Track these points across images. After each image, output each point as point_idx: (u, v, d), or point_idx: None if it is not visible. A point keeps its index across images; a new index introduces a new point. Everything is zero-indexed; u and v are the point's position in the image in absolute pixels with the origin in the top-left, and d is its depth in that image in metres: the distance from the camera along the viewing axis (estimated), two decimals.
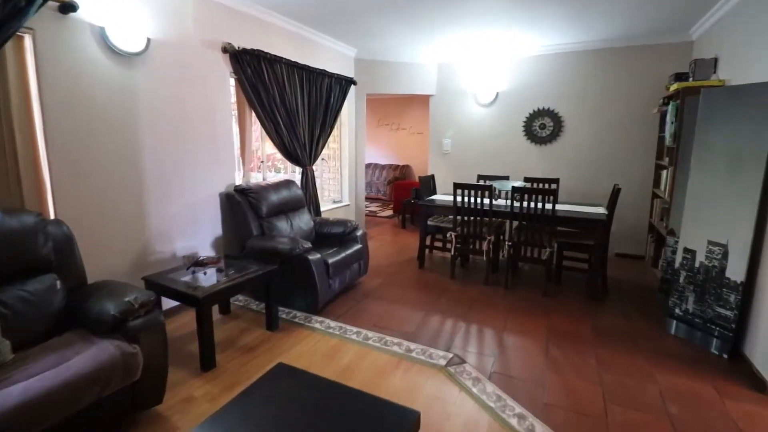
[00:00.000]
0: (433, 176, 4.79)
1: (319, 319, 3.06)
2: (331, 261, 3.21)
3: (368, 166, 9.90)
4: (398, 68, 5.40)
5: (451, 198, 4.24)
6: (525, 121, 5.06)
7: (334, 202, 5.45)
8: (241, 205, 3.33)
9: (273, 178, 4.29)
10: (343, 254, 3.40)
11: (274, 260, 3.09)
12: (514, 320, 3.09)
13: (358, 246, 3.66)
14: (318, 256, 3.10)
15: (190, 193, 3.22)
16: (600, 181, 4.79)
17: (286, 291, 3.18)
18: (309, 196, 4.39)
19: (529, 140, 5.07)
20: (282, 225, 3.51)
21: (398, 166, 9.63)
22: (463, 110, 5.40)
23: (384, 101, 9.76)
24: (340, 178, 5.52)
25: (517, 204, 3.59)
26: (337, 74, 4.75)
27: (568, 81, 4.79)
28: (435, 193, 4.78)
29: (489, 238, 3.74)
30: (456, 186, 3.77)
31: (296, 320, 3.03)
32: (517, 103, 5.07)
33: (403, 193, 6.76)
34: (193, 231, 3.28)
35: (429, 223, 4.34)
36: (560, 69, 4.81)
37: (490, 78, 5.15)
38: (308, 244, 3.11)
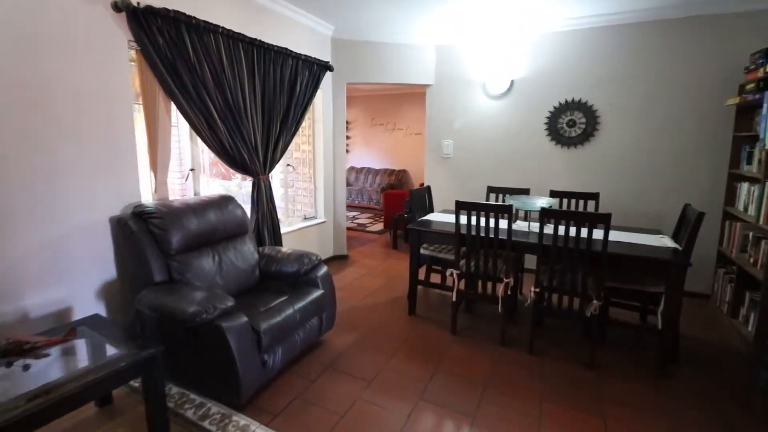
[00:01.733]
0: (428, 188, 3.67)
1: (242, 421, 1.94)
2: (265, 326, 2.09)
3: (360, 170, 8.80)
4: (386, 51, 4.29)
5: (452, 219, 3.12)
6: (548, 117, 3.93)
7: (306, 218, 4.34)
8: (137, 236, 2.22)
9: (218, 190, 3.20)
10: (290, 309, 2.28)
11: (175, 329, 1.99)
12: (552, 421, 1.96)
13: (318, 293, 2.54)
14: (241, 321, 1.98)
15: (59, 218, 2.12)
16: (649, 196, 3.65)
17: (200, 371, 2.07)
18: (261, 217, 3.28)
19: (554, 141, 3.94)
20: (203, 265, 2.39)
21: (394, 171, 8.52)
22: (468, 104, 4.28)
23: (377, 98, 8.66)
24: (313, 188, 4.41)
25: (548, 230, 2.47)
26: (306, 56, 3.65)
27: (606, 64, 3.67)
28: (431, 210, 3.66)
29: (507, 280, 2.61)
30: (459, 206, 2.65)
31: (205, 423, 1.91)
32: (538, 94, 3.95)
33: (396, 205, 5.65)
34: (63, 276, 2.17)
35: (423, 251, 3.23)
36: (595, 48, 3.69)
37: (503, 62, 4.04)
38: (228, 302, 1.99)
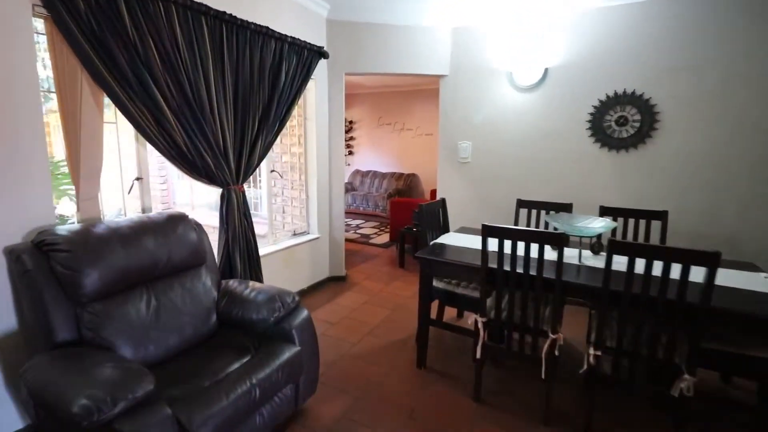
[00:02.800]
0: (443, 202, 2.95)
1: None
2: (202, 419, 1.40)
3: (365, 174, 8.12)
4: (392, 35, 3.60)
5: (472, 242, 2.41)
6: (592, 114, 3.20)
7: (295, 234, 3.66)
8: (32, 277, 1.56)
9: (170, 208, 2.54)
10: (245, 385, 1.59)
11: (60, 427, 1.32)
12: None
13: (292, 351, 1.84)
14: (159, 416, 1.30)
15: None
16: (721, 215, 2.89)
17: None
18: (232, 238, 2.61)
19: (600, 143, 3.20)
20: (131, 314, 1.72)
21: (402, 175, 7.82)
22: (491, 97, 3.56)
23: (384, 95, 7.97)
24: (305, 198, 3.74)
25: (614, 265, 1.74)
26: (294, 38, 2.97)
27: (668, 47, 2.92)
28: (446, 229, 2.95)
29: (555, 336, 1.89)
30: (488, 232, 1.94)
31: None
32: (579, 85, 3.22)
33: (404, 215, 4.95)
34: None
35: (436, 284, 2.53)
36: (654, 27, 2.94)
37: (535, 47, 3.31)
38: (143, 386, 1.31)
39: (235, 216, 2.61)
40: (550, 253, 2.07)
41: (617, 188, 3.17)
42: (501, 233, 1.90)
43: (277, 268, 3.25)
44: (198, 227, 2.19)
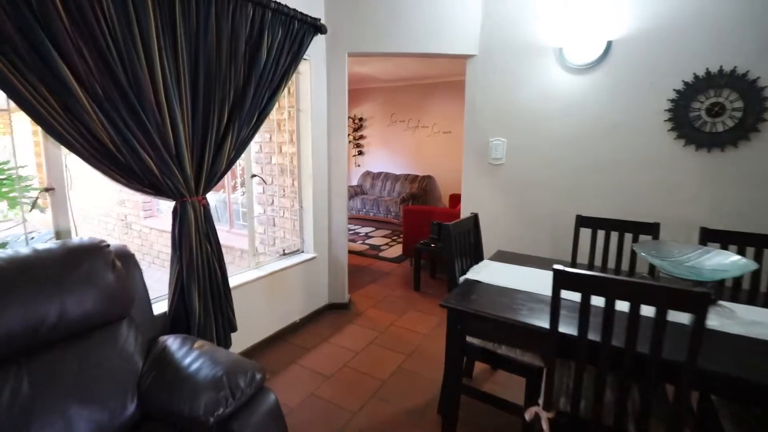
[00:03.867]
0: (475, 220, 2.20)
1: None
2: None
3: (377, 176, 7.41)
4: (407, 5, 2.87)
5: (521, 278, 1.66)
6: (674, 100, 2.41)
7: (284, 254, 2.96)
8: None
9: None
10: None
11: None
12: None
13: None
14: None
15: None
16: None
17: None
18: (187, 268, 1.91)
19: (684, 139, 2.41)
20: None
21: (416, 177, 7.09)
22: (534, 81, 2.80)
23: (398, 90, 7.24)
24: (299, 208, 3.03)
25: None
26: (279, 4, 2.27)
27: None
28: (479, 255, 2.19)
29: None
30: (567, 281, 1.19)
31: None
32: (655, 63, 2.44)
33: (419, 225, 4.21)
34: None
35: (470, 340, 1.79)
36: None
37: (593, 14, 2.54)
38: None
39: (193, 238, 1.92)
40: (678, 316, 1.31)
41: (708, 201, 2.38)
42: (590, 285, 1.15)
43: (259, 301, 2.56)
44: (125, 259, 1.51)
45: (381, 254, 4.89)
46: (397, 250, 5.04)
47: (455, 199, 5.44)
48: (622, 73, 2.52)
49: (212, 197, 4.94)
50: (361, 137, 7.87)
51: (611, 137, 2.60)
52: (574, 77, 2.66)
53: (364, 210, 6.98)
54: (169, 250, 1.98)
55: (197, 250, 1.94)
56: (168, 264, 2.01)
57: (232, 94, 2.08)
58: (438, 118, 6.96)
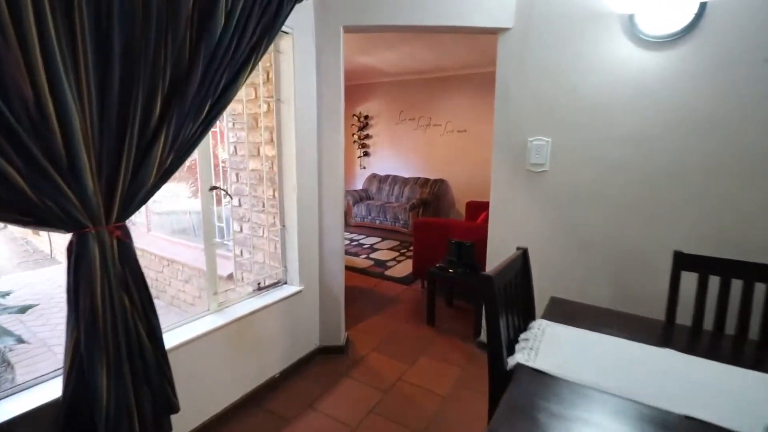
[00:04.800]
0: (524, 257, 1.50)
1: None
2: None
3: (383, 180, 6.75)
4: None
5: (601, 363, 0.97)
6: None
7: (260, 288, 2.29)
8: None
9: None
10: None
11: None
12: None
13: None
14: None
15: None
16: None
17: None
18: (87, 337, 1.26)
19: None
20: None
21: (428, 181, 6.41)
22: (592, 59, 2.09)
23: (407, 85, 6.56)
24: (280, 228, 2.37)
25: None
26: None
27: None
28: (530, 312, 1.50)
29: None
30: None
31: None
32: None
33: (432, 241, 3.53)
34: None
35: None
36: None
37: None
38: None
39: (98, 288, 1.26)
40: None
41: None
42: None
43: (220, 357, 1.89)
44: None
45: (387, 272, 4.21)
46: (406, 267, 4.36)
47: (474, 208, 4.74)
48: (720, 46, 1.81)
49: (192, 206, 4.30)
50: (367, 137, 7.20)
51: (702, 136, 1.89)
52: (649, 54, 1.95)
53: (369, 217, 6.31)
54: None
55: (106, 306, 1.28)
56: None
57: (168, 76, 1.41)
58: (452, 116, 6.26)
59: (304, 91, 2.22)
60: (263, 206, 2.42)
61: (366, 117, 7.12)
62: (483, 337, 2.66)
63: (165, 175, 1.47)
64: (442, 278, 2.97)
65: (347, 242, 5.48)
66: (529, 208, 2.35)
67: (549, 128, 2.24)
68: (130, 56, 1.29)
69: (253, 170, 2.42)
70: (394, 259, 4.71)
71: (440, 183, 6.35)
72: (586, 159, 2.16)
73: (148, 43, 1.32)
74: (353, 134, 7.25)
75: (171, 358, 1.50)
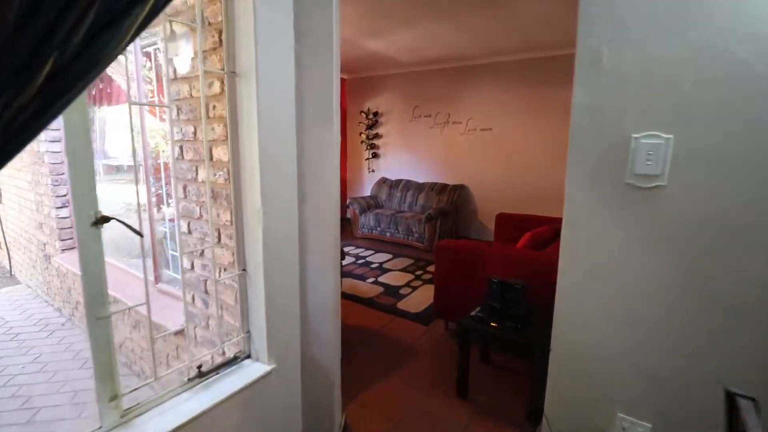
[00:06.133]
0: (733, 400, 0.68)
1: None
2: None
3: (395, 185, 5.93)
4: None
5: None
6: None
7: (200, 374, 1.47)
8: None
9: None
10: None
11: None
12: None
13: None
14: None
15: None
16: None
17: None
18: None
19: None
20: None
21: (446, 187, 5.56)
22: (747, 4, 1.22)
23: (422, 77, 5.72)
24: (238, 274, 1.54)
25: None
26: None
27: None
28: None
29: None
30: None
31: None
32: None
33: (458, 270, 2.68)
34: None
35: None
36: None
37: None
38: None
39: None
40: None
41: None
42: None
43: None
44: None
45: (400, 305, 3.37)
46: (423, 297, 3.51)
47: (507, 224, 3.88)
48: None
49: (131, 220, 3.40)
50: (376, 136, 6.38)
51: None
52: None
53: (378, 229, 5.48)
54: None
55: None
56: None
57: None
58: (474, 112, 5.41)
59: (272, 60, 1.40)
60: (218, 236, 1.61)
61: (375, 114, 6.29)
62: (545, 423, 1.80)
63: None
64: (481, 334, 2.12)
65: (351, 260, 4.65)
66: (629, 243, 1.48)
67: (669, 118, 1.37)
68: None
69: (205, 182, 1.62)
70: (407, 284, 3.87)
71: (460, 189, 5.49)
72: (736, 170, 1.29)
73: None
74: (361, 133, 6.44)
75: None
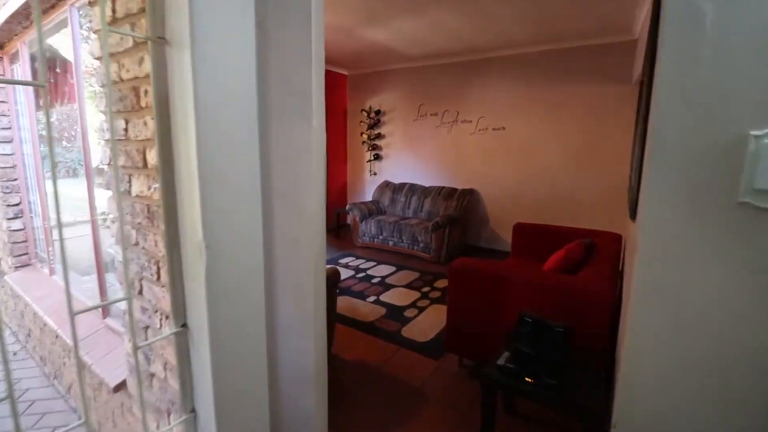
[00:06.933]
0: None
1: None
2: None
3: (399, 189, 5.48)
4: None
5: None
6: None
7: None
8: None
9: None
10: None
11: None
12: None
13: None
14: None
15: None
16: None
17: None
18: None
19: None
20: None
21: (454, 192, 5.11)
22: None
23: (429, 72, 5.27)
24: (175, 333, 1.10)
25: None
26: None
27: None
28: None
29: None
30: None
31: None
32: None
33: (475, 295, 2.23)
34: None
35: None
36: None
37: None
38: None
39: None
40: None
41: None
42: None
43: None
44: None
45: (405, 331, 2.92)
46: (431, 321, 3.06)
47: (528, 236, 3.42)
48: None
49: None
50: (378, 136, 5.94)
51: None
52: None
53: (381, 237, 5.03)
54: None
55: None
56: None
57: None
58: (486, 110, 4.95)
59: (218, 21, 0.95)
60: (158, 272, 1.17)
61: (377, 112, 5.85)
62: None
63: None
64: (511, 390, 1.65)
65: (350, 273, 4.21)
66: (743, 290, 1.02)
67: None
68: None
69: (139, 197, 1.17)
70: (413, 304, 3.42)
71: (470, 194, 5.03)
72: None
73: None
74: (362, 133, 6.00)
75: None
